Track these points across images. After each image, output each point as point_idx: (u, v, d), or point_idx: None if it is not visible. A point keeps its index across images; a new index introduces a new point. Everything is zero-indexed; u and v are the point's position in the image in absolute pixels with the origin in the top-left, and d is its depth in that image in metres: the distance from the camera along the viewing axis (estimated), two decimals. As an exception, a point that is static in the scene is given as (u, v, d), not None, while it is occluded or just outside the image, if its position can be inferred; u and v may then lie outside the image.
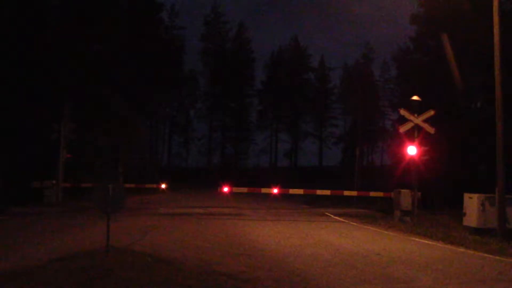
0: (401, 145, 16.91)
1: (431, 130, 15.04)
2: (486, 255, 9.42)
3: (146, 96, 35.31)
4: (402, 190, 15.24)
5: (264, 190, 17.94)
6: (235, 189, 17.95)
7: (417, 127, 14.97)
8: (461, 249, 10.10)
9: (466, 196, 12.90)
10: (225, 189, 17.27)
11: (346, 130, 60.35)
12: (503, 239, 10.81)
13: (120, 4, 27.44)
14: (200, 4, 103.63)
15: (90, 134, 22.06)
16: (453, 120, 22.40)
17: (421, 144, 15.00)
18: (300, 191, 18.02)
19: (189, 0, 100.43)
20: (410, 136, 15.26)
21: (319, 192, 18.26)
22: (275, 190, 17.78)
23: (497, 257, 9.15)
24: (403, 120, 15.81)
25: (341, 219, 16.32)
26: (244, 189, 18.05)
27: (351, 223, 15.11)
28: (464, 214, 12.88)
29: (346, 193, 18.89)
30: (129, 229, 11.55)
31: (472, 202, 12.55)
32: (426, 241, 11.17)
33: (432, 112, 15.07)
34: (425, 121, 14.99)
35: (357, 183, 22.72)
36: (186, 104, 58.02)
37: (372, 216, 16.84)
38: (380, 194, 17.60)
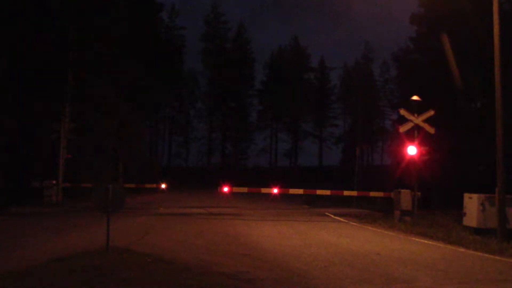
0: (401, 145, 16.93)
1: (431, 130, 15.04)
2: (486, 255, 9.43)
3: (146, 96, 35.29)
4: (402, 190, 15.24)
5: (264, 190, 17.92)
6: (235, 189, 17.92)
7: (417, 127, 14.96)
8: (461, 249, 10.11)
9: (466, 196, 12.90)
10: (225, 189, 17.26)
11: (346, 130, 60.35)
12: (503, 239, 10.81)
13: (120, 4, 27.41)
14: (200, 4, 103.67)
15: (90, 134, 22.05)
16: (453, 120, 22.42)
17: (421, 144, 15.00)
18: (300, 191, 18.00)
19: (189, 0, 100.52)
20: (410, 136, 15.26)
21: (319, 192, 18.24)
22: (275, 190, 17.76)
23: (497, 257, 9.15)
24: (403, 120, 15.81)
25: (341, 219, 16.32)
26: (244, 189, 18.01)
27: (351, 223, 15.12)
28: (464, 214, 12.89)
29: (346, 193, 18.86)
30: (129, 229, 11.55)
31: (472, 202, 12.55)
32: (426, 241, 11.17)
33: (432, 112, 15.07)
34: (425, 121, 14.99)
35: (357, 183, 22.71)
36: (186, 104, 58.03)
37: (372, 216, 16.84)
38: (380, 194, 17.58)
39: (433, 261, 8.41)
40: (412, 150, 14.85)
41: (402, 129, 15.36)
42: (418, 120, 14.93)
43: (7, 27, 19.69)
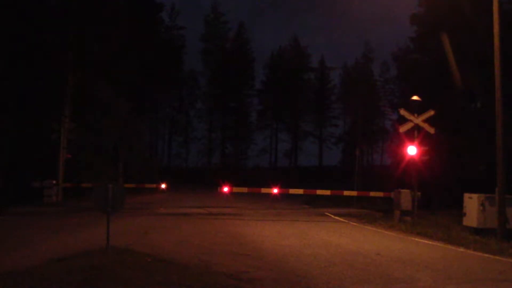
0: (401, 145, 16.92)
1: (431, 130, 15.03)
2: (486, 255, 9.43)
3: (146, 96, 35.31)
4: (402, 190, 15.24)
5: (264, 190, 17.92)
6: (235, 189, 17.92)
7: (417, 127, 14.96)
8: (461, 249, 10.11)
9: (466, 196, 12.91)
10: (225, 189, 17.26)
11: (346, 130, 60.32)
12: (503, 239, 10.82)
13: (120, 4, 27.41)
14: (200, 4, 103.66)
15: (90, 134, 22.05)
16: (453, 120, 22.42)
17: (421, 144, 14.99)
18: (300, 191, 17.99)
19: (189, 0, 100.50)
20: (410, 136, 15.26)
21: (319, 192, 18.23)
22: (275, 190, 17.75)
23: (497, 257, 9.16)
24: (403, 120, 15.80)
25: (341, 219, 16.32)
26: (244, 189, 18.00)
27: (351, 223, 15.11)
28: (464, 214, 12.89)
29: (346, 193, 18.84)
30: (129, 229, 11.55)
31: (472, 202, 12.55)
32: (426, 241, 11.18)
33: (432, 112, 15.06)
34: (425, 121, 14.99)
35: (357, 183, 22.69)
36: (186, 104, 58.02)
37: (372, 216, 16.84)
38: (380, 194, 17.58)
39: (433, 261, 8.41)
40: (412, 150, 14.84)
41: (402, 129, 15.35)
42: (418, 120, 14.92)
43: (7, 27, 19.69)
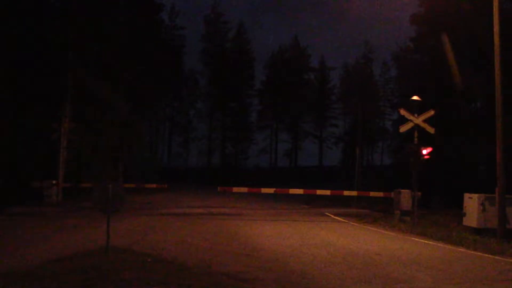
0: (401, 145, 16.94)
1: (431, 130, 15.02)
2: (486, 255, 9.43)
3: (146, 96, 35.29)
4: (402, 190, 15.24)
5: (264, 190, 17.91)
6: (235, 189, 17.92)
7: (417, 127, 14.95)
8: (461, 249, 10.10)
9: (466, 196, 12.91)
10: (225, 189, 17.25)
11: (346, 130, 60.36)
12: (503, 239, 10.82)
13: (120, 4, 27.41)
14: (200, 4, 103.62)
15: (90, 134, 22.05)
16: (453, 120, 22.43)
17: (421, 144, 14.98)
18: (300, 191, 17.99)
19: (189, 0, 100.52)
20: (410, 136, 15.24)
21: (319, 192, 18.22)
22: (275, 190, 17.76)
23: (497, 257, 9.15)
24: (403, 120, 15.80)
25: (341, 219, 16.32)
26: (244, 189, 18.00)
27: (351, 223, 15.12)
28: (464, 214, 12.89)
29: (346, 193, 18.84)
30: (129, 229, 11.55)
31: (472, 202, 12.56)
32: (426, 241, 11.17)
33: (432, 112, 15.05)
34: (425, 121, 14.98)
35: (357, 183, 22.70)
36: (186, 104, 58.02)
37: (372, 216, 16.84)
38: (380, 194, 17.59)
39: (433, 261, 8.41)
40: (412, 150, 14.82)
41: (402, 129, 15.35)
42: (418, 120, 14.91)
43: (7, 27, 19.69)
